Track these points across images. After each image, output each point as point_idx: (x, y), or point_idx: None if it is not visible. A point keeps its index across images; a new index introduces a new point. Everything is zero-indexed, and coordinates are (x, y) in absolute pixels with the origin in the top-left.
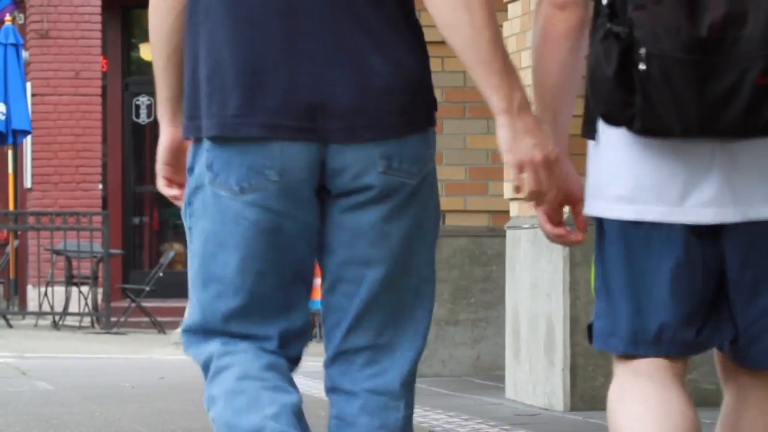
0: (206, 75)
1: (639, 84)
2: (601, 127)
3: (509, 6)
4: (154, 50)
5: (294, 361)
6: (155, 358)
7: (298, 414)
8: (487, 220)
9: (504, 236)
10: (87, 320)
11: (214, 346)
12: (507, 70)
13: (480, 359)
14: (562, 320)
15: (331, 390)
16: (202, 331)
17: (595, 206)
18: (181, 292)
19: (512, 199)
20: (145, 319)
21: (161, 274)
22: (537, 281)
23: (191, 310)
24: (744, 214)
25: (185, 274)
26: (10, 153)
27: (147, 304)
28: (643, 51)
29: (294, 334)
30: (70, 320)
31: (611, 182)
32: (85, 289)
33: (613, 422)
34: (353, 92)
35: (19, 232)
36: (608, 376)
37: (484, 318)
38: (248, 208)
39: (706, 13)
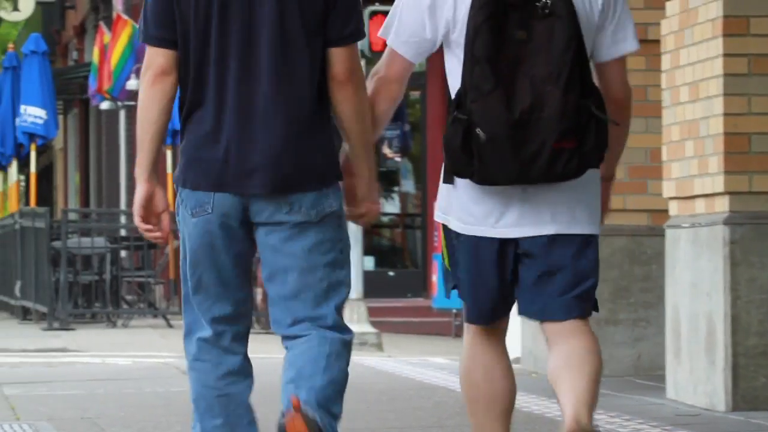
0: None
1: (476, 151)
2: (456, 178)
3: (667, 4)
4: (141, 128)
5: (244, 333)
6: None
7: (241, 412)
8: (647, 219)
9: (663, 235)
10: None
11: (191, 348)
12: (372, 153)
13: (640, 359)
14: (722, 319)
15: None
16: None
17: (451, 222)
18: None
19: (671, 198)
20: None
21: None
22: (697, 280)
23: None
24: (530, 231)
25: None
26: (168, 153)
27: None
28: (478, 130)
29: (231, 317)
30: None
31: (460, 211)
32: None
33: (462, 381)
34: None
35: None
36: None
37: (644, 318)
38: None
39: (518, 103)
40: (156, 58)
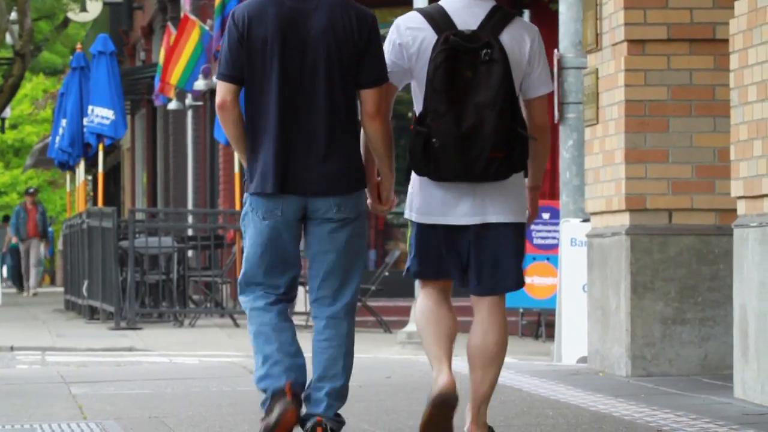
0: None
1: (432, 156)
2: (414, 176)
3: (735, 3)
4: (228, 137)
5: (291, 299)
6: (382, 357)
7: (290, 342)
8: (714, 219)
9: (731, 235)
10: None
11: (248, 302)
12: (393, 163)
13: (707, 358)
14: None
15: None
16: (245, 284)
17: (413, 215)
18: (408, 291)
19: (740, 198)
20: (371, 318)
21: (387, 274)
22: (765, 280)
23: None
24: (480, 220)
25: None
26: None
27: (373, 303)
28: (435, 140)
29: (288, 286)
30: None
31: (420, 204)
32: None
33: (418, 326)
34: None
35: None
36: None
37: (711, 317)
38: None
39: (464, 122)
40: (220, 91)
